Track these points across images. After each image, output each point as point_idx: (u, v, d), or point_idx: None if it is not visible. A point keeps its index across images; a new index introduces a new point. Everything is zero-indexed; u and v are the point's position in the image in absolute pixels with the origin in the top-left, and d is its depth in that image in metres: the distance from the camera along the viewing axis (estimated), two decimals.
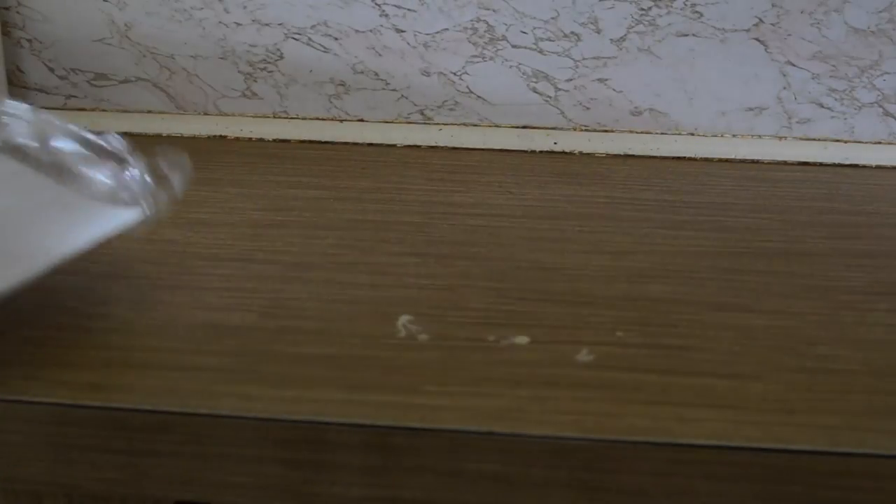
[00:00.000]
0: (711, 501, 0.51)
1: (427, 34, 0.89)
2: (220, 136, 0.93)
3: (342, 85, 0.92)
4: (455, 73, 0.90)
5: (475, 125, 0.92)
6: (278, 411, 0.53)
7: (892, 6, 0.84)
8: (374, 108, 0.93)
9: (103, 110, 0.95)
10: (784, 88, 0.88)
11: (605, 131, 0.91)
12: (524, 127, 0.92)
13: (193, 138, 0.93)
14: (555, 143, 0.90)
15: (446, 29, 0.89)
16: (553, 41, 0.88)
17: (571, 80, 0.90)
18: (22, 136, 0.53)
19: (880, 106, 0.88)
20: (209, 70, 0.93)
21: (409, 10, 0.89)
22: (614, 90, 0.90)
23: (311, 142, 0.93)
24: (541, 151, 0.90)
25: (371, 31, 0.90)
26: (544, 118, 0.91)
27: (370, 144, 0.92)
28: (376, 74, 0.91)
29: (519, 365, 0.57)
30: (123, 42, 0.93)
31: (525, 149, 0.91)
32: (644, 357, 0.57)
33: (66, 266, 0.63)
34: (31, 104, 0.95)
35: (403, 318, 0.60)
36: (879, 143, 0.89)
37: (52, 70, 0.95)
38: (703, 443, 0.51)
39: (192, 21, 0.91)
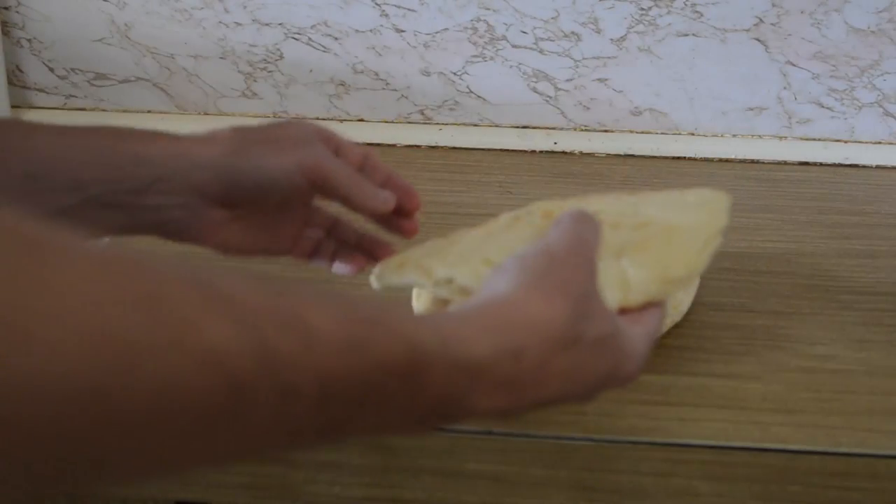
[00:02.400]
0: (711, 501, 0.51)
1: (427, 34, 0.89)
2: None
3: (342, 85, 0.92)
4: (455, 73, 0.90)
5: (475, 125, 0.92)
6: None
7: (892, 6, 0.84)
8: (374, 108, 0.93)
9: (103, 110, 0.95)
10: (784, 88, 0.88)
11: (605, 131, 0.91)
12: (524, 127, 0.92)
13: None
14: (555, 143, 0.90)
15: (446, 29, 0.89)
16: (553, 41, 0.88)
17: (571, 79, 0.90)
18: None
19: (880, 106, 0.88)
20: (209, 70, 0.93)
21: (409, 10, 0.89)
22: (614, 90, 0.90)
23: None
24: (541, 151, 0.90)
25: (371, 31, 0.90)
26: (544, 118, 0.91)
27: (370, 144, 0.92)
28: (376, 74, 0.91)
29: None
30: (123, 42, 0.93)
31: (525, 149, 0.91)
32: None
33: None
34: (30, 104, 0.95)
35: None
36: (879, 143, 0.89)
37: (52, 70, 0.95)
38: (703, 443, 0.51)
39: (192, 21, 0.91)
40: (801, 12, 0.85)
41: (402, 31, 0.89)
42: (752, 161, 0.88)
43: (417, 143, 0.91)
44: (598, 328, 0.43)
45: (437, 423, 0.40)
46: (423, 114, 0.92)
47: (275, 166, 0.52)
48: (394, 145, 0.91)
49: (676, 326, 0.60)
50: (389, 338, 0.36)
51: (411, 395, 0.36)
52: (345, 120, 0.93)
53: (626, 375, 0.45)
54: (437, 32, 0.89)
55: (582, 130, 0.91)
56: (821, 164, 0.88)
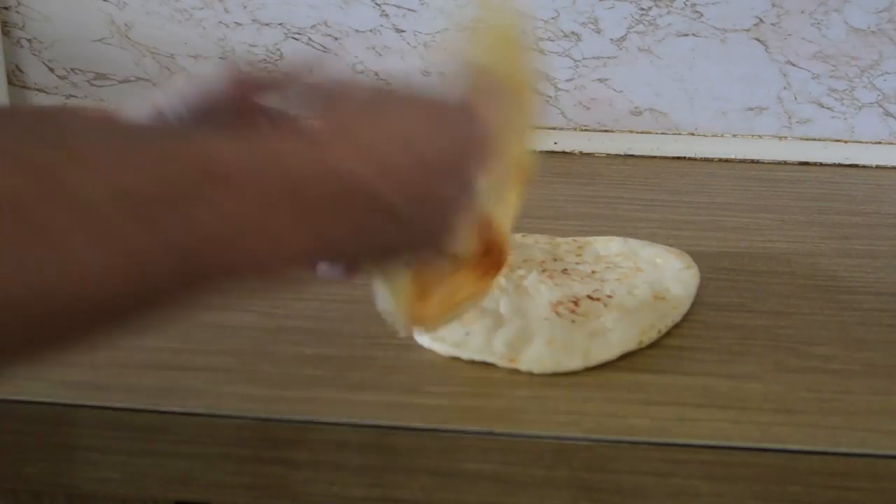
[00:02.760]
0: (711, 501, 0.51)
1: (427, 34, 0.89)
2: None
3: None
4: None
5: None
6: (278, 411, 0.53)
7: (892, 6, 0.84)
8: None
9: None
10: (784, 88, 0.88)
11: (605, 131, 0.91)
12: None
13: None
14: (555, 143, 0.90)
15: (446, 29, 0.89)
16: (553, 41, 0.88)
17: (571, 79, 0.90)
18: None
19: (880, 106, 0.88)
20: (209, 70, 0.93)
21: (409, 10, 0.89)
22: (614, 90, 0.90)
23: None
24: (541, 151, 0.90)
25: (371, 31, 0.90)
26: (544, 118, 0.91)
27: None
28: (376, 74, 0.91)
29: None
30: (123, 42, 0.93)
31: None
32: (644, 357, 0.57)
33: None
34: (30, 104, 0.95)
35: None
36: (879, 143, 0.89)
37: (52, 70, 0.95)
38: (703, 443, 0.51)
39: (192, 21, 0.91)
40: (801, 12, 0.85)
41: (402, 31, 0.89)
42: (752, 161, 0.88)
43: None
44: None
45: (279, 206, 0.38)
46: None
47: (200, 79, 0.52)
48: None
49: (676, 326, 0.60)
50: (164, 138, 0.37)
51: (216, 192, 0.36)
52: None
53: (462, 120, 0.45)
54: (437, 32, 0.89)
55: (582, 130, 0.91)
56: (821, 164, 0.88)
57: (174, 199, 0.35)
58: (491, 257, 0.53)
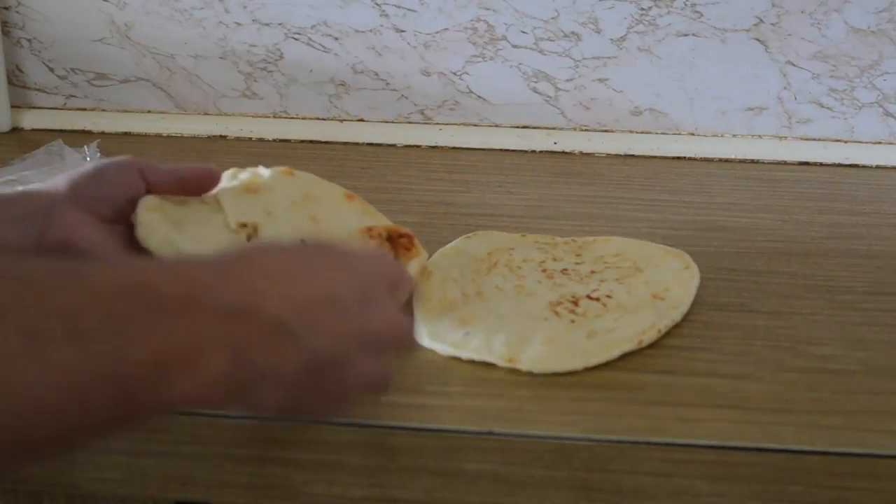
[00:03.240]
0: (711, 501, 0.51)
1: (427, 34, 0.89)
2: (221, 135, 0.93)
3: (342, 85, 0.92)
4: (455, 73, 0.90)
5: (475, 125, 0.92)
6: None
7: (892, 6, 0.84)
8: (374, 108, 0.93)
9: (103, 110, 0.95)
10: (784, 88, 0.88)
11: (605, 131, 0.91)
12: (524, 127, 0.92)
13: (193, 138, 0.93)
14: (555, 143, 0.90)
15: (446, 29, 0.89)
16: (553, 41, 0.88)
17: (571, 79, 0.90)
18: None
19: (880, 106, 0.88)
20: (209, 70, 0.93)
21: (409, 10, 0.89)
22: (614, 90, 0.90)
23: (311, 142, 0.92)
24: (541, 151, 0.90)
25: (371, 31, 0.90)
26: (544, 118, 0.91)
27: (370, 144, 0.92)
28: (376, 74, 0.91)
29: None
30: (123, 42, 0.93)
31: (525, 149, 0.91)
32: (644, 357, 0.57)
33: None
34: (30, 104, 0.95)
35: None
36: (879, 143, 0.89)
37: (52, 70, 0.95)
38: (703, 443, 0.51)
39: (192, 21, 0.91)
40: (801, 12, 0.85)
41: (402, 31, 0.89)
42: (752, 161, 0.88)
43: (417, 143, 0.91)
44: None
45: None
46: (423, 114, 0.92)
47: (109, 163, 0.56)
48: (394, 145, 0.91)
49: (676, 326, 0.60)
50: (106, 269, 0.40)
51: (144, 314, 0.38)
52: (345, 120, 0.93)
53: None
54: (437, 32, 0.89)
55: (582, 130, 0.91)
56: (821, 164, 0.88)
57: (114, 332, 0.37)
58: (397, 239, 0.62)
